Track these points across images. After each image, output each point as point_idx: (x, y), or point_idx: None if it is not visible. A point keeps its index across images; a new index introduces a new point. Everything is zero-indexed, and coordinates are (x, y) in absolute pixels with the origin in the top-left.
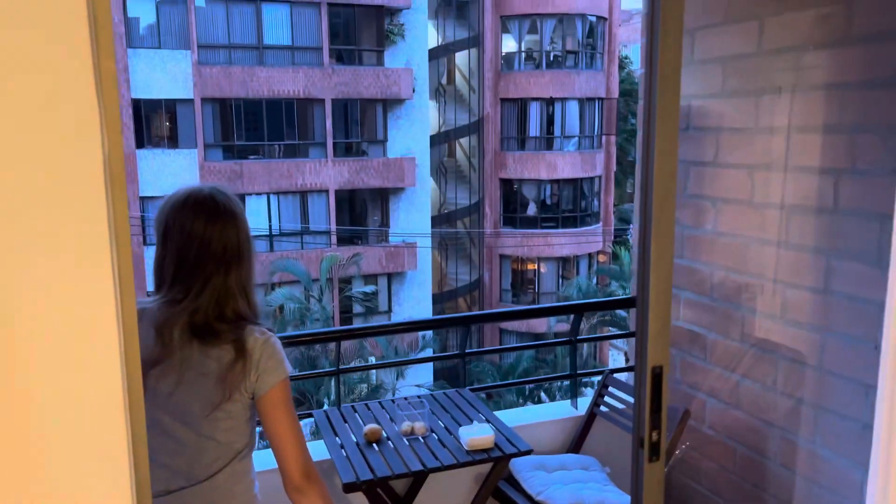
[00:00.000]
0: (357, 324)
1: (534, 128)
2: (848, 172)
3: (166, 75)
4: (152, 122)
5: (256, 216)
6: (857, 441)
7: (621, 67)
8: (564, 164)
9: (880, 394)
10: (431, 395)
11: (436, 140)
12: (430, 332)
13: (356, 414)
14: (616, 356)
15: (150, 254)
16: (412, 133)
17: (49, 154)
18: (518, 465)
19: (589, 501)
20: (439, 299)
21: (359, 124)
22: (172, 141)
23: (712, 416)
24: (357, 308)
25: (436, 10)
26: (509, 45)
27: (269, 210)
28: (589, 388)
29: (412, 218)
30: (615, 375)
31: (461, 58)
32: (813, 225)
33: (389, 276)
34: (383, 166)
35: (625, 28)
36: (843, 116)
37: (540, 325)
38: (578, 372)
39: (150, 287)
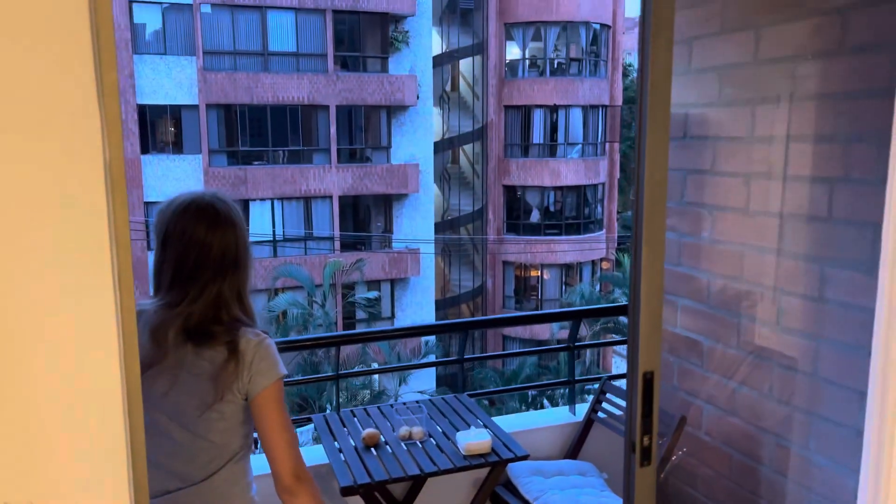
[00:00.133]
0: (361, 329)
1: (537, 135)
2: (842, 181)
3: (171, 81)
4: (157, 128)
5: (260, 221)
6: (851, 448)
7: (625, 75)
8: (568, 171)
9: (870, 400)
10: (430, 400)
11: (439, 147)
12: (433, 339)
13: (355, 419)
14: (619, 363)
15: (153, 258)
16: (416, 139)
17: (52, 162)
18: (516, 471)
19: None
20: (442, 305)
21: (363, 131)
22: (177, 146)
23: (709, 422)
24: (360, 314)
25: (440, 18)
26: (513, 52)
27: (273, 215)
28: (591, 395)
29: (415, 224)
30: (613, 382)
31: (465, 65)
32: (808, 233)
33: (392, 282)
34: (387, 172)
35: (629, 36)
36: (837, 126)
37: (543, 331)
38: (577, 378)
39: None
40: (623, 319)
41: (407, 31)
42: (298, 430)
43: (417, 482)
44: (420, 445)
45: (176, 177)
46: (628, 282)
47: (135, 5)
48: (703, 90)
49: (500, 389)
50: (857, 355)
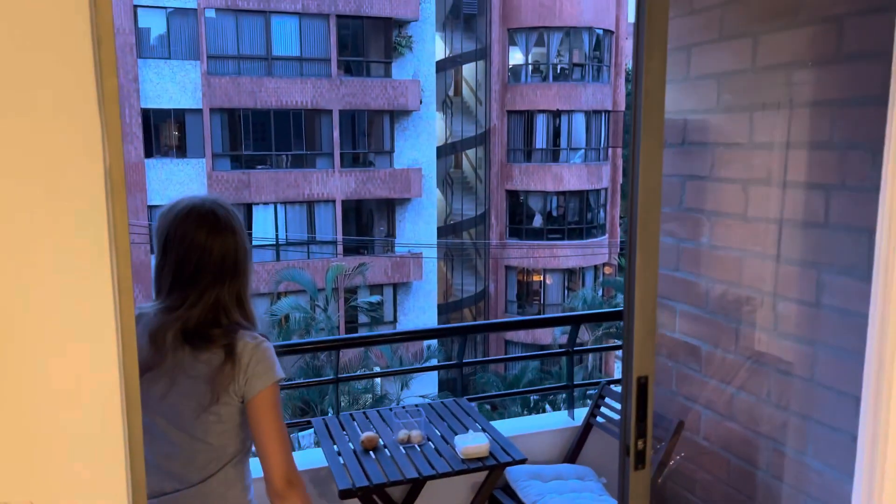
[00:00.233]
0: (367, 333)
1: (540, 140)
2: (838, 188)
3: (176, 85)
4: (161, 132)
5: (263, 225)
6: (847, 453)
7: (628, 80)
8: (571, 176)
9: (864, 405)
10: (429, 403)
11: (442, 151)
12: (434, 343)
13: (354, 422)
14: (620, 367)
15: (154, 262)
16: (419, 144)
17: (52, 168)
18: (514, 474)
19: None
20: (445, 310)
21: (366, 135)
22: (181, 150)
23: (707, 427)
24: (362, 318)
25: (443, 23)
26: (516, 57)
27: (276, 219)
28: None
29: (418, 228)
30: (612, 386)
31: (468, 70)
32: (805, 239)
33: (395, 287)
34: (390, 177)
35: (632, 41)
36: (833, 133)
37: (545, 336)
38: (577, 383)
39: None
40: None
41: (410, 36)
42: (300, 433)
43: (416, 485)
44: (418, 449)
45: (179, 181)
46: None
47: (139, 10)
48: (701, 97)
49: (499, 394)
50: (854, 361)
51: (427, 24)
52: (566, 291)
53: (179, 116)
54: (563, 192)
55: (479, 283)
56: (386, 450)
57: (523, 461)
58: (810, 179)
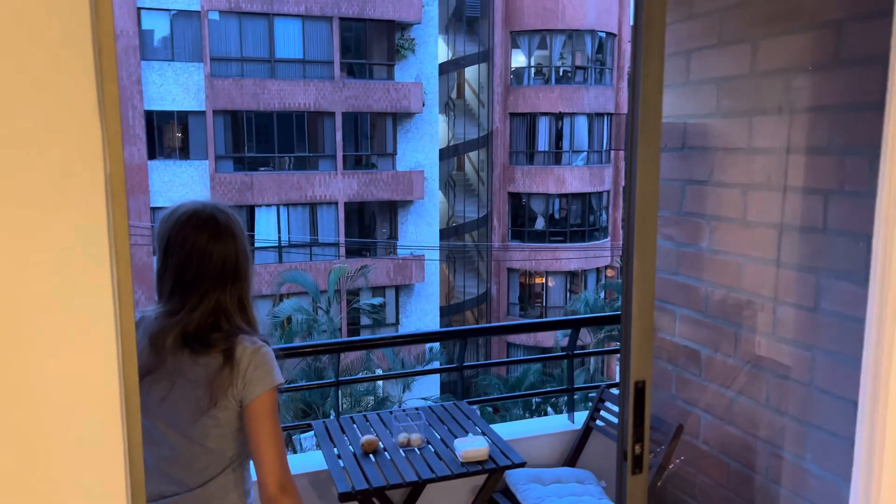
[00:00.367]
0: (364, 336)
1: (542, 142)
2: (837, 193)
3: (179, 87)
4: (164, 134)
5: (266, 227)
6: (846, 458)
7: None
8: (573, 178)
9: (861, 411)
10: (429, 407)
11: (445, 154)
12: (437, 345)
13: (354, 425)
14: None
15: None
16: (421, 146)
17: (53, 174)
18: (514, 478)
19: None
20: (447, 312)
21: (368, 137)
22: (184, 152)
23: (707, 431)
24: (364, 320)
25: (446, 26)
26: (519, 60)
27: (279, 221)
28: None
29: (420, 231)
30: (612, 390)
31: (471, 72)
32: (804, 244)
33: (397, 289)
34: (392, 179)
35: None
36: (831, 138)
37: (547, 339)
38: (576, 386)
39: None
40: None
41: (413, 39)
42: (301, 435)
43: (415, 489)
44: (418, 452)
45: (182, 182)
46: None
47: (143, 12)
48: (701, 101)
49: (499, 397)
50: (852, 366)
51: (430, 27)
52: (568, 294)
53: (182, 118)
54: (566, 195)
55: (482, 286)
56: (386, 453)
57: (522, 465)
58: (809, 184)
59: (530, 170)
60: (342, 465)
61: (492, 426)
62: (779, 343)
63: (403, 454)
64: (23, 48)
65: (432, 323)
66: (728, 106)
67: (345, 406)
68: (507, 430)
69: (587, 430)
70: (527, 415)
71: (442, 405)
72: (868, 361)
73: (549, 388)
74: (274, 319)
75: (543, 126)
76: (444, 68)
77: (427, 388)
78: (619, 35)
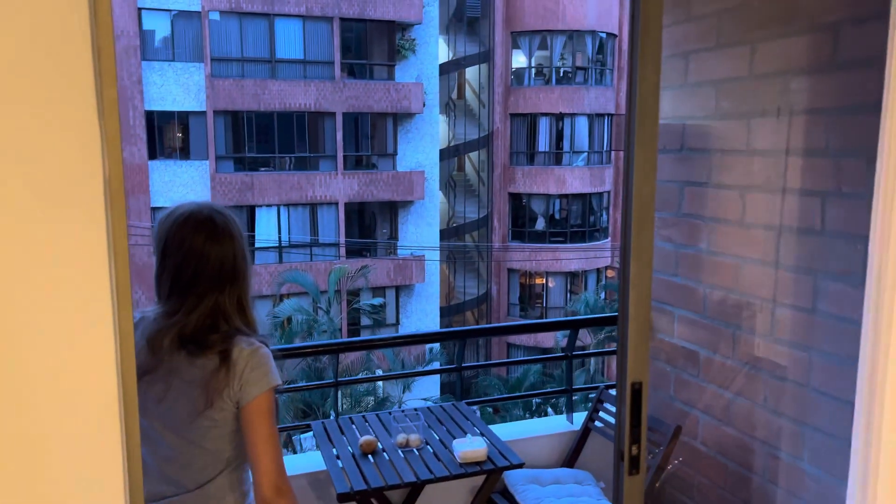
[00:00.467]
0: (364, 336)
1: (543, 143)
2: (834, 195)
3: (179, 87)
4: (165, 134)
5: (266, 228)
6: (843, 459)
7: None
8: (573, 178)
9: (857, 411)
10: (428, 408)
11: (445, 154)
12: (437, 346)
13: (353, 426)
14: None
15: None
16: (422, 147)
17: (52, 177)
18: (512, 478)
19: None
20: (447, 312)
21: (369, 138)
22: (184, 152)
23: (705, 432)
24: (365, 320)
25: (447, 26)
26: (519, 60)
27: (279, 222)
28: None
29: (421, 231)
30: (610, 391)
31: (471, 73)
32: (801, 246)
33: (397, 289)
34: (393, 179)
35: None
36: (829, 140)
37: (547, 339)
38: (575, 387)
39: None
40: None
41: (414, 39)
42: (301, 435)
43: (414, 489)
44: (417, 453)
45: (183, 182)
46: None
47: (144, 12)
48: (699, 103)
49: (498, 398)
50: (848, 367)
51: (430, 27)
52: (568, 294)
53: (183, 118)
54: (566, 195)
55: (482, 286)
56: (384, 453)
57: (521, 465)
58: (807, 186)
59: (531, 170)
60: (341, 465)
61: (490, 427)
62: (776, 344)
63: (402, 455)
64: (22, 51)
65: (432, 323)
66: (726, 108)
67: (345, 407)
68: (505, 430)
69: (586, 430)
70: (527, 415)
71: (441, 406)
72: (864, 362)
73: (548, 389)
74: (274, 320)
75: (544, 126)
76: (445, 69)
77: (427, 389)
78: (619, 35)
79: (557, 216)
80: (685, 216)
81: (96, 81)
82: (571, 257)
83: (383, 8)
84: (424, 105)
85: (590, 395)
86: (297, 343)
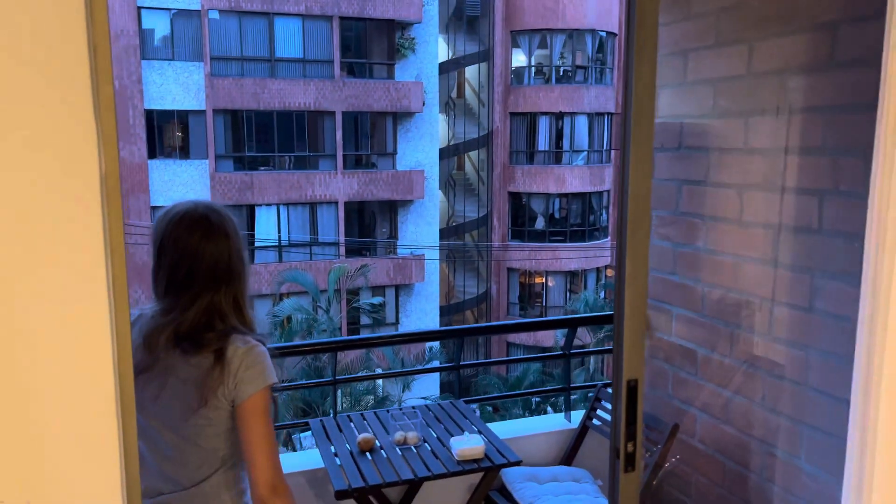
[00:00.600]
0: (364, 335)
1: (543, 142)
2: (831, 193)
3: (179, 86)
4: (164, 133)
5: (266, 227)
6: (840, 456)
7: None
8: (573, 178)
9: (853, 408)
10: (426, 405)
11: (445, 153)
12: (436, 344)
13: (351, 423)
14: None
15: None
16: (422, 146)
17: (48, 175)
18: (510, 476)
19: None
20: (447, 311)
21: (369, 137)
22: (184, 151)
23: (702, 430)
24: (364, 319)
25: (446, 25)
26: (519, 59)
27: (279, 221)
28: None
29: (420, 230)
30: (608, 389)
31: (471, 72)
32: (798, 244)
33: (397, 288)
34: (392, 179)
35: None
36: (826, 139)
37: (547, 338)
38: (573, 385)
39: None
40: None
41: (413, 38)
42: (301, 434)
43: (412, 487)
44: (414, 450)
45: (183, 181)
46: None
47: (143, 11)
48: (697, 102)
49: (496, 396)
50: (845, 365)
51: (430, 26)
52: (568, 293)
53: (183, 118)
54: (566, 195)
55: (482, 285)
56: (382, 451)
57: (518, 463)
58: (804, 185)
59: (530, 169)
60: (339, 463)
61: (488, 425)
62: (774, 343)
63: (400, 452)
64: (18, 50)
65: (432, 322)
66: (724, 106)
67: (345, 405)
68: (503, 428)
69: (583, 428)
70: (526, 414)
71: (439, 404)
72: (860, 361)
73: (546, 388)
74: (274, 319)
75: (544, 125)
76: (445, 67)
77: (427, 388)
78: (619, 34)
79: (557, 215)
80: (683, 215)
81: (92, 78)
82: (571, 256)
83: (383, 7)
84: (424, 104)
85: (588, 394)
86: (297, 342)
